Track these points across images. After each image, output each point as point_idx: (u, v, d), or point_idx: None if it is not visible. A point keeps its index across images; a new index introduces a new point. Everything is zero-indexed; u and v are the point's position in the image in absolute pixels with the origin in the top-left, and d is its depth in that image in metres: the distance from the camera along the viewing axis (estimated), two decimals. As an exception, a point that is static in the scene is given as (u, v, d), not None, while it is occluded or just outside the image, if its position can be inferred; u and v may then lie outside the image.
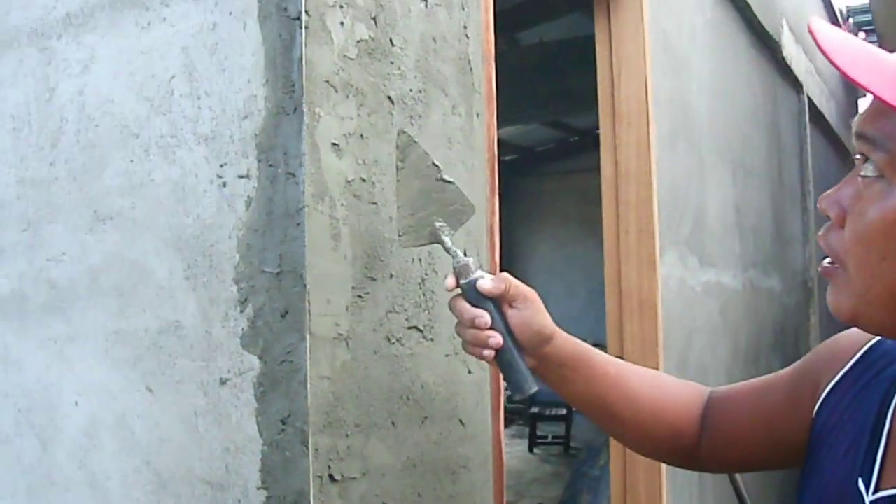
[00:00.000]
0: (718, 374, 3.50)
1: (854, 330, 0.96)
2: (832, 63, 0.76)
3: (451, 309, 1.14)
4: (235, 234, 1.19)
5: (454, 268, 1.14)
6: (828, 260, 0.86)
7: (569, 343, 1.15)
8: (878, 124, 0.80)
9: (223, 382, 1.19)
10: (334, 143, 1.19)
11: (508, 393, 1.40)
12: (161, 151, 1.27)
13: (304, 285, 1.13)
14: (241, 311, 1.18)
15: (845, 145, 8.00)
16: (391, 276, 1.29)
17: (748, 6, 4.10)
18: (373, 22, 1.28)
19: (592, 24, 2.82)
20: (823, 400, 0.98)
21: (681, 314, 3.02)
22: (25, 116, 1.43)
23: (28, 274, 1.42)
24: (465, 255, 1.16)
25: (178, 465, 1.24)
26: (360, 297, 1.23)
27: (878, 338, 0.96)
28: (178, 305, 1.24)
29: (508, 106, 5.29)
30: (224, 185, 1.20)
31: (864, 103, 0.86)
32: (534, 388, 1.12)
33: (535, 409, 8.59)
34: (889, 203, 0.78)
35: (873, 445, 0.88)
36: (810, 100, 5.91)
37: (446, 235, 1.18)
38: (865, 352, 0.97)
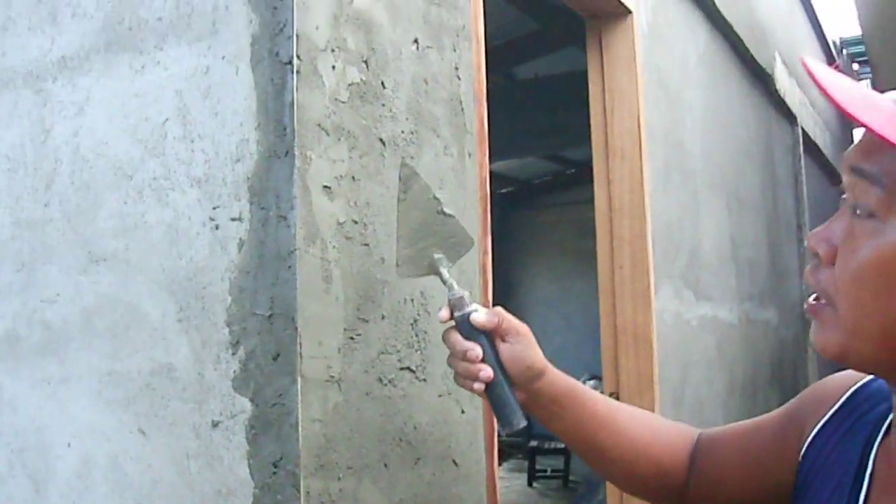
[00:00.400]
0: (715, 408, 3.49)
1: (841, 373, 0.96)
2: (832, 101, 0.75)
3: (444, 341, 1.14)
4: (228, 277, 1.19)
5: (449, 300, 1.14)
6: (813, 297, 0.86)
7: (560, 379, 1.15)
8: (875, 159, 0.80)
9: (215, 425, 1.19)
10: (326, 186, 1.20)
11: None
12: (154, 194, 1.28)
13: (296, 328, 1.13)
14: (233, 354, 1.18)
15: (840, 176, 8.00)
16: (383, 317, 1.30)
17: (741, 40, 4.14)
18: (364, 65, 1.29)
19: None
20: (810, 443, 0.98)
21: (676, 348, 3.01)
22: (20, 157, 1.44)
23: (22, 315, 1.43)
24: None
25: (169, 508, 1.23)
26: (351, 338, 1.23)
27: (863, 381, 0.96)
28: (171, 347, 1.25)
29: (505, 139, 5.33)
30: (217, 227, 1.21)
31: (859, 134, 0.86)
32: (522, 423, 1.12)
33: (533, 443, 8.53)
34: (883, 240, 0.78)
35: (856, 488, 0.87)
36: (804, 131, 5.93)
37: (444, 267, 1.19)
38: (850, 395, 0.97)
